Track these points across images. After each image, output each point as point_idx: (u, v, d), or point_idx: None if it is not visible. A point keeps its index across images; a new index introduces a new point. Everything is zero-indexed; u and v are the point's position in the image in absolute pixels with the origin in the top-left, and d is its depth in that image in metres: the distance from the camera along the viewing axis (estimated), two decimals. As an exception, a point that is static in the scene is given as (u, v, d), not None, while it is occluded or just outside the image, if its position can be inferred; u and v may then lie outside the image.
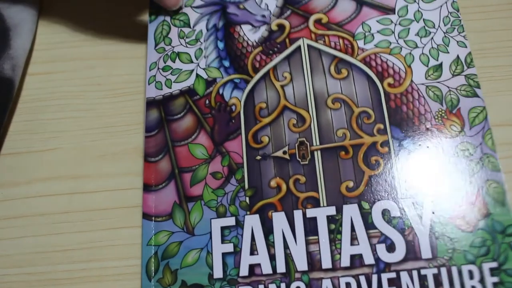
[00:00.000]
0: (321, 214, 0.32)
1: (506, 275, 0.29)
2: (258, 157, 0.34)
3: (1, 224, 0.35)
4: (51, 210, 0.35)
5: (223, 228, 0.32)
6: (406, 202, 0.31)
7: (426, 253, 0.30)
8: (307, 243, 0.31)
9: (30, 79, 0.40)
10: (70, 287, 0.32)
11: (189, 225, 0.33)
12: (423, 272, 0.29)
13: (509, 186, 0.31)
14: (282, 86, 0.36)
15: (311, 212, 0.32)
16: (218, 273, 0.31)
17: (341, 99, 0.35)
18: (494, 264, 0.29)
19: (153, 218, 0.33)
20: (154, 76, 0.37)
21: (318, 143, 0.34)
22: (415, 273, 0.29)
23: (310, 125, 0.34)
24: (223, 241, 0.32)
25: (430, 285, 0.29)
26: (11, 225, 0.35)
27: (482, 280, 0.29)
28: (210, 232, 0.32)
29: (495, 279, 0.29)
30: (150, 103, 0.36)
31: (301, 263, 0.31)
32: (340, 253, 0.30)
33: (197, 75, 0.37)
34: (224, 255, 0.32)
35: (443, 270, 0.29)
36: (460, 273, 0.29)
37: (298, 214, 0.32)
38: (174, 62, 0.37)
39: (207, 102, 0.36)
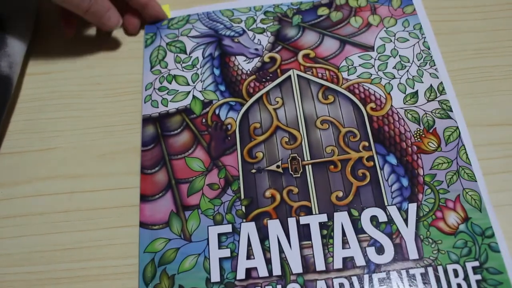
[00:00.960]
0: (314, 221, 0.33)
1: (488, 273, 0.30)
2: (253, 171, 0.36)
3: (1, 223, 0.35)
4: (51, 209, 0.35)
5: (220, 235, 0.33)
6: (392, 209, 0.33)
7: (413, 254, 0.32)
8: (301, 247, 0.32)
9: (29, 79, 0.40)
10: (70, 286, 0.32)
11: (186, 232, 0.34)
12: (411, 271, 0.31)
13: (495, 188, 0.33)
14: (275, 109, 0.39)
15: (304, 220, 0.34)
16: (215, 277, 0.32)
17: (328, 121, 0.38)
18: (476, 263, 0.31)
19: (150, 227, 0.34)
20: (150, 95, 0.40)
21: (309, 158, 0.36)
22: (404, 272, 0.31)
23: (301, 142, 0.37)
24: (220, 247, 0.33)
25: (419, 283, 0.31)
26: (11, 224, 0.35)
27: (466, 278, 0.30)
28: (207, 239, 0.33)
29: (478, 276, 0.30)
30: (146, 120, 0.39)
31: (296, 266, 0.32)
32: (332, 256, 0.32)
33: (194, 96, 0.40)
34: (221, 260, 0.32)
35: (430, 270, 0.31)
36: (445, 272, 0.31)
37: (292, 221, 0.34)
38: (170, 83, 0.40)
39: (203, 120, 0.39)
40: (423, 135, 0.36)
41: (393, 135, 0.37)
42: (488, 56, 0.38)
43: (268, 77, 0.41)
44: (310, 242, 0.33)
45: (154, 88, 0.40)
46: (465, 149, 0.35)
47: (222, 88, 0.40)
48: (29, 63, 0.42)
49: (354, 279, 0.31)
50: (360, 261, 0.32)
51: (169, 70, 0.41)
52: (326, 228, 0.33)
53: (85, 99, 0.40)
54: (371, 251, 0.32)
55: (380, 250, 0.32)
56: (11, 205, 0.35)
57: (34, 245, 0.34)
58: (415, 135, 0.36)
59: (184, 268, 0.32)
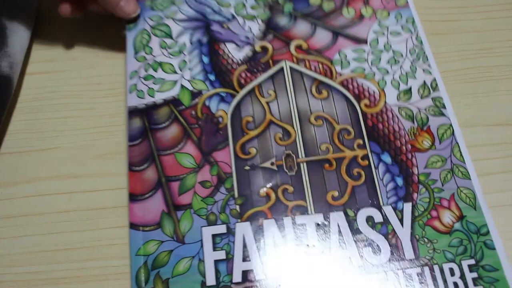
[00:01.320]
0: (310, 221, 0.33)
1: (484, 270, 0.31)
2: (247, 167, 0.35)
3: (1, 223, 0.34)
4: (51, 209, 0.35)
5: (214, 236, 0.32)
6: (387, 209, 0.33)
7: (409, 254, 0.32)
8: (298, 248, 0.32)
9: (30, 79, 0.40)
10: (70, 286, 0.32)
11: (179, 233, 0.32)
12: (407, 271, 0.31)
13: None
14: (267, 102, 0.38)
15: (300, 219, 0.33)
16: (211, 280, 0.31)
17: (323, 117, 0.37)
18: (472, 261, 0.31)
19: (141, 228, 0.32)
20: (135, 85, 0.38)
21: (303, 156, 0.35)
22: (400, 272, 0.31)
23: (296, 139, 0.36)
24: (214, 249, 0.32)
25: (415, 283, 0.31)
26: (11, 224, 0.34)
27: (462, 276, 0.31)
28: (201, 240, 0.32)
29: (474, 274, 0.31)
30: (133, 112, 0.37)
31: (294, 267, 0.31)
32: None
33: (182, 86, 0.38)
34: (217, 262, 0.31)
35: (426, 269, 0.31)
36: (441, 270, 0.31)
37: (287, 221, 0.33)
38: (156, 71, 0.38)
39: (193, 112, 0.37)
40: (417, 133, 0.36)
41: (387, 133, 0.36)
42: (488, 56, 0.38)
43: (260, 68, 0.39)
44: (305, 242, 0.32)
45: (139, 77, 0.38)
46: (459, 147, 0.35)
47: (212, 77, 0.39)
48: (29, 62, 0.41)
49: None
50: (356, 261, 0.31)
51: (155, 56, 0.39)
52: (323, 229, 0.33)
53: (85, 99, 0.39)
54: (367, 251, 0.32)
55: (376, 250, 0.32)
56: (11, 205, 0.35)
57: (34, 245, 0.33)
58: (409, 133, 0.36)
59: (178, 271, 0.31)
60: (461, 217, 0.33)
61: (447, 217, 0.33)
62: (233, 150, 0.35)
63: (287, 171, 0.35)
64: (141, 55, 0.39)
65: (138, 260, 0.31)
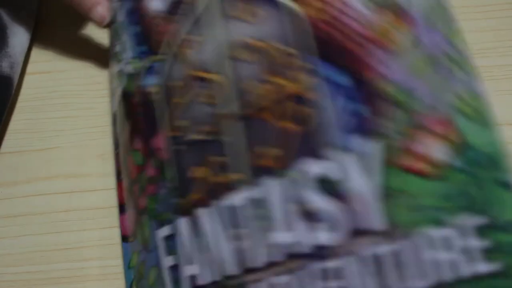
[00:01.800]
0: (247, 199, 0.25)
1: (503, 232, 0.18)
2: (176, 147, 0.28)
3: (1, 223, 0.35)
4: (51, 209, 0.35)
5: (165, 239, 0.28)
6: (343, 155, 0.22)
7: (378, 223, 0.21)
8: (234, 238, 0.25)
9: (30, 78, 0.40)
10: (70, 286, 0.32)
11: (145, 241, 0.29)
12: (378, 251, 0.20)
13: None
14: (192, 54, 0.29)
15: (238, 199, 0.25)
16: (169, 291, 0.27)
17: (254, 47, 0.27)
18: (481, 220, 0.18)
19: (128, 239, 0.31)
20: (114, 88, 0.35)
21: (237, 110, 0.26)
22: (367, 255, 0.21)
23: (225, 90, 0.27)
24: (169, 254, 0.28)
25: (389, 269, 0.20)
26: (11, 224, 0.35)
27: (465, 250, 0.18)
28: (156, 246, 0.28)
29: (486, 243, 0.18)
30: (114, 117, 0.34)
31: (231, 266, 0.24)
32: (270, 246, 0.23)
33: (127, 74, 0.33)
34: (171, 269, 0.27)
35: (406, 245, 0.20)
36: (431, 243, 0.19)
37: (225, 205, 0.25)
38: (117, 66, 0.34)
39: (135, 99, 0.32)
40: (391, 25, 0.22)
41: (344, 41, 0.24)
42: (488, 56, 0.36)
43: (181, 12, 0.30)
44: (242, 230, 0.24)
45: (113, 78, 0.35)
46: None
47: (144, 48, 0.32)
48: (29, 62, 0.42)
49: (300, 274, 0.22)
50: (304, 246, 0.22)
51: (114, 48, 0.35)
52: (261, 207, 0.24)
53: (85, 99, 0.39)
54: (318, 228, 0.22)
55: (331, 225, 0.22)
56: (11, 204, 0.36)
57: (34, 244, 0.34)
58: (378, 30, 0.23)
59: (150, 283, 0.28)
60: (463, 146, 0.19)
61: (438, 147, 0.20)
62: (167, 130, 0.29)
63: (219, 137, 0.27)
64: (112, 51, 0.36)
65: (130, 273, 0.30)
